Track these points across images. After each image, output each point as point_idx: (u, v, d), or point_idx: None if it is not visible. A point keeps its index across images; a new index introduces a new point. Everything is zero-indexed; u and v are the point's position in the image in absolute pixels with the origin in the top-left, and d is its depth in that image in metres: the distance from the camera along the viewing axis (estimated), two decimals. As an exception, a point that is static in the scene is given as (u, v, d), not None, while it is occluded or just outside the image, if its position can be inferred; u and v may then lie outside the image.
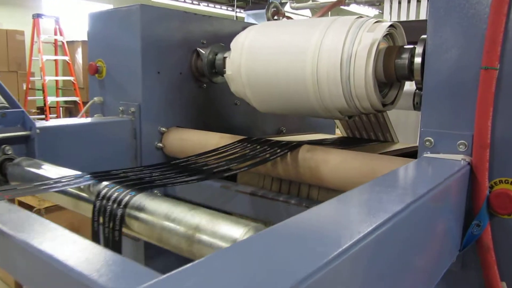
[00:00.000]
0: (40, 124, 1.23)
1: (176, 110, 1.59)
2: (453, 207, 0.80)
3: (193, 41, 1.63)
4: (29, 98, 7.87)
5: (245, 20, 7.29)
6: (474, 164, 0.82)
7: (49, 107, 7.72)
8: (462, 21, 0.86)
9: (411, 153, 1.53)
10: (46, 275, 0.54)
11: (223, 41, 1.66)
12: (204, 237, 0.63)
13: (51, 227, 0.61)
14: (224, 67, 1.53)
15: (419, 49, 1.11)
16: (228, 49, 1.63)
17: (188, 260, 0.42)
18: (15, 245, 0.58)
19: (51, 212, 2.79)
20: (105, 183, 0.88)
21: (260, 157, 1.22)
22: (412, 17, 2.44)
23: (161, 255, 1.51)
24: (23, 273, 0.60)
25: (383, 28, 1.15)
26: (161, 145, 1.52)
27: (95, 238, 0.83)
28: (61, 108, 8.59)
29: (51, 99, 7.72)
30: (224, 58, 1.52)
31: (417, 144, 1.74)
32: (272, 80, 1.21)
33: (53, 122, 1.37)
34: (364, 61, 1.08)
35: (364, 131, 1.83)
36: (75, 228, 2.87)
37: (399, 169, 0.76)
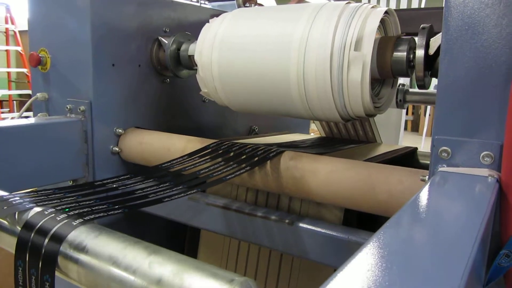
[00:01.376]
0: (-39, 127, 1.00)
1: (135, 109, 1.38)
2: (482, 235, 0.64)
3: (154, 29, 1.42)
4: (-22, 91, 7.34)
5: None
6: (504, 181, 0.67)
7: (1, 101, 7.23)
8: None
9: (400, 158, 1.39)
10: None
11: (189, 29, 1.45)
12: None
13: None
14: (191, 60, 1.34)
15: (420, 40, 0.95)
16: (195, 38, 1.44)
17: None
18: None
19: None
20: (37, 208, 0.67)
21: (235, 167, 1.03)
22: (404, 5, 2.30)
23: None
24: None
25: (378, 14, 0.99)
26: (117, 149, 1.31)
27: (17, 283, 0.63)
28: (14, 101, 8.07)
29: (2, 92, 7.22)
30: (188, 50, 1.32)
31: (401, 145, 1.61)
32: (249, 78, 1.02)
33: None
34: (366, 53, 0.91)
35: (344, 130, 1.67)
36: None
37: (422, 194, 0.60)
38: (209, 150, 1.14)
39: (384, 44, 1.01)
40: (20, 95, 8.14)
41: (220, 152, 1.12)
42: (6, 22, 7.35)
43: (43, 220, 0.64)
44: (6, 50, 7.49)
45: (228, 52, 1.05)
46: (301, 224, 1.02)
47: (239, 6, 1.80)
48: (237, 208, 1.11)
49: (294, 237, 1.04)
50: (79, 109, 1.25)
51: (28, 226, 0.64)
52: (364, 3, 1.02)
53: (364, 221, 1.13)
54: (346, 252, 1.01)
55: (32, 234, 0.63)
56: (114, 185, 0.92)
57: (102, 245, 0.55)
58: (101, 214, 0.71)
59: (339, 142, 1.59)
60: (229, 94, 1.07)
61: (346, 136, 1.68)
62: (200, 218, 1.16)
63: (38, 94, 1.36)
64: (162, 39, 1.40)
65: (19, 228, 0.64)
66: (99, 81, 1.26)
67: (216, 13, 1.66)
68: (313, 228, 1.00)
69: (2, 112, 7.26)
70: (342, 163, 0.97)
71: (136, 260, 0.51)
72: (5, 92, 7.42)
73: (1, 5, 7.28)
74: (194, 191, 0.90)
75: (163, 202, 0.85)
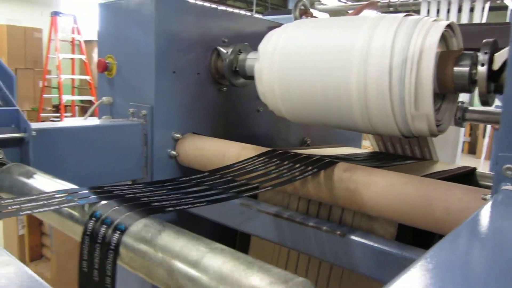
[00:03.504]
0: (36, 125, 1.08)
1: (192, 115, 1.42)
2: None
3: (213, 39, 1.47)
4: (44, 96, 7.83)
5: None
6: None
7: (64, 106, 7.67)
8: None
9: (458, 177, 1.34)
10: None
11: (246, 40, 1.49)
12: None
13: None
14: (248, 70, 1.37)
15: (484, 55, 0.93)
16: (252, 48, 1.47)
17: None
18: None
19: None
20: (103, 202, 0.71)
21: (288, 174, 1.04)
22: (465, 20, 2.24)
23: None
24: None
25: (440, 28, 0.97)
26: (174, 153, 1.36)
27: (82, 269, 0.67)
28: (76, 107, 8.54)
29: (66, 97, 7.67)
30: (246, 60, 1.36)
31: (459, 165, 1.55)
32: (309, 89, 1.03)
33: (52, 123, 1.21)
34: (426, 67, 0.90)
35: (399, 146, 1.64)
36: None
37: (482, 213, 0.58)
38: (263, 157, 1.16)
39: (446, 58, 0.99)
40: (81, 101, 8.60)
41: (274, 160, 1.14)
42: (73, 32, 7.83)
43: (108, 212, 0.68)
44: (72, 59, 7.97)
45: (289, 62, 1.06)
46: (353, 237, 1.01)
47: (295, 19, 1.83)
48: (289, 216, 1.11)
49: (345, 249, 1.03)
50: (141, 113, 1.31)
51: (94, 217, 0.68)
52: (426, 16, 1.01)
53: (418, 237, 1.09)
54: (399, 268, 0.99)
55: (98, 225, 0.67)
56: (174, 185, 0.95)
57: (165, 239, 0.58)
58: (164, 207, 0.74)
59: (394, 157, 1.56)
60: (287, 104, 1.09)
61: (400, 152, 1.64)
62: (252, 224, 1.18)
63: (104, 98, 1.44)
64: (221, 49, 1.45)
65: (86, 219, 0.69)
66: (161, 87, 1.32)
67: (273, 25, 1.69)
68: (366, 241, 0.99)
69: (65, 116, 7.69)
70: (398, 177, 0.95)
71: (198, 254, 0.53)
72: (69, 97, 7.87)
73: (69, 16, 7.76)
74: (246, 194, 0.91)
75: (215, 205, 0.87)
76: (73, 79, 8.23)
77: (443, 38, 1.06)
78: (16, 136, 1.02)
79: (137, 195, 0.82)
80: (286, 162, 1.12)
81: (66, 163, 1.15)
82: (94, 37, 8.44)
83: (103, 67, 1.42)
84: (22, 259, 3.12)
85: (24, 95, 7.52)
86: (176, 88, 1.36)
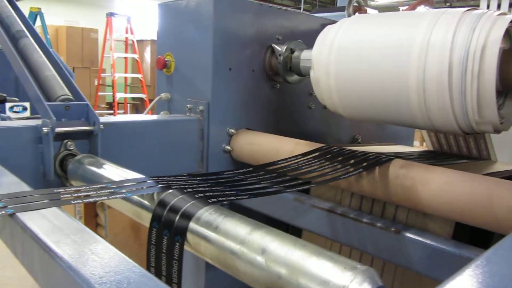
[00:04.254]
0: (104, 119, 1.14)
1: (247, 111, 1.46)
2: None
3: (268, 36, 1.50)
4: (99, 93, 8.18)
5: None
6: None
7: (118, 103, 7.98)
8: None
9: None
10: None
11: (300, 37, 1.51)
12: (299, 280, 0.48)
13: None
14: (302, 67, 1.38)
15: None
16: (306, 46, 1.48)
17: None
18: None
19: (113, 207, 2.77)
20: (170, 190, 0.76)
21: (342, 170, 1.05)
22: None
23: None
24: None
25: (504, 22, 0.94)
26: (229, 148, 1.40)
27: (150, 251, 0.71)
28: (128, 104, 8.86)
29: (119, 95, 7.98)
30: (300, 57, 1.37)
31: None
32: (367, 84, 1.03)
33: (117, 117, 1.28)
34: (489, 63, 0.88)
35: (455, 145, 1.60)
36: (135, 225, 2.83)
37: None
38: (317, 153, 1.17)
39: (510, 54, 0.97)
40: (133, 99, 8.92)
41: (328, 156, 1.15)
42: (126, 32, 8.12)
43: (175, 200, 0.72)
44: (125, 57, 8.27)
45: (346, 58, 1.07)
46: (408, 234, 1.00)
47: (349, 16, 1.82)
48: (342, 212, 1.12)
49: (400, 246, 1.02)
50: (198, 109, 1.36)
51: (162, 204, 0.73)
52: (490, 10, 0.98)
53: (476, 236, 1.07)
54: (455, 267, 0.97)
55: (165, 212, 0.71)
56: (230, 178, 0.99)
57: (230, 225, 0.61)
58: (221, 199, 0.77)
59: (448, 156, 1.52)
60: (344, 100, 1.10)
61: (456, 152, 1.60)
62: (304, 218, 1.19)
63: (162, 94, 1.50)
64: (275, 46, 1.47)
65: (155, 206, 0.73)
66: (217, 84, 1.36)
67: (327, 23, 1.69)
68: (422, 239, 0.98)
69: (118, 113, 8.01)
70: (457, 175, 0.94)
71: (262, 241, 0.55)
72: (122, 95, 8.19)
73: (123, 17, 8.06)
74: (301, 188, 0.93)
75: (268, 200, 0.89)
76: (126, 78, 8.55)
77: (507, 33, 1.03)
78: (86, 129, 1.09)
79: (198, 185, 0.86)
80: (340, 158, 1.12)
81: (129, 155, 1.21)
82: (146, 36, 8.76)
83: (162, 65, 1.48)
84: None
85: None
86: (232, 85, 1.40)
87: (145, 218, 0.75)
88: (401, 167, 1.03)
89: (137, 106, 8.99)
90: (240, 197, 0.84)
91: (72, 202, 0.67)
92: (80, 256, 0.46)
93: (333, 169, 1.07)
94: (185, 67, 1.45)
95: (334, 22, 1.23)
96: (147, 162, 1.26)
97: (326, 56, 1.12)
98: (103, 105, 8.47)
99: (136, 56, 8.04)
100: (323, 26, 1.68)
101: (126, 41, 8.24)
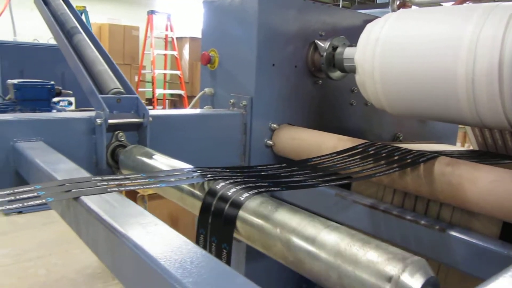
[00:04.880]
0: (152, 112, 1.19)
1: (289, 106, 1.47)
2: None
3: (311, 32, 1.50)
4: (139, 89, 8.38)
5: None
6: None
7: (157, 99, 8.15)
8: None
9: None
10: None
11: (343, 33, 1.50)
12: (349, 269, 0.49)
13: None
14: (345, 63, 1.38)
15: None
16: (349, 42, 1.48)
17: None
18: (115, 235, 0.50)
19: (153, 199, 2.85)
20: (219, 181, 0.78)
21: (386, 166, 1.05)
22: None
23: (263, 258, 1.40)
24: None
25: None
26: (271, 142, 1.41)
27: (199, 237, 0.74)
28: (167, 100, 9.04)
29: (159, 91, 8.15)
30: (343, 53, 1.37)
31: None
32: (413, 79, 1.02)
33: (164, 111, 1.33)
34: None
35: (502, 144, 1.55)
36: (174, 218, 2.91)
37: None
38: (360, 149, 1.17)
39: None
40: (171, 95, 9.09)
41: (371, 152, 1.14)
42: (166, 30, 8.28)
43: (224, 189, 0.74)
44: (164, 54, 8.44)
45: (391, 53, 1.06)
46: (453, 233, 0.99)
47: (393, 12, 1.80)
48: (385, 208, 1.12)
49: (444, 244, 1.01)
50: (241, 103, 1.38)
51: (211, 193, 0.75)
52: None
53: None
54: (502, 267, 0.96)
55: (215, 200, 0.74)
56: (274, 171, 1.00)
57: (281, 215, 0.62)
58: (267, 190, 0.79)
59: (494, 156, 1.48)
60: (389, 96, 1.09)
61: (502, 151, 1.56)
62: (345, 214, 1.20)
63: (206, 89, 1.53)
64: (318, 42, 1.47)
65: (204, 195, 0.76)
66: (261, 79, 1.38)
67: (370, 19, 1.68)
68: (468, 238, 0.96)
69: (157, 109, 8.19)
70: (506, 173, 0.92)
71: (314, 230, 0.57)
72: (161, 91, 8.36)
73: (163, 14, 8.22)
74: (344, 182, 0.94)
75: (310, 195, 0.90)
76: (165, 74, 8.72)
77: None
78: (136, 121, 1.13)
79: (244, 177, 0.88)
80: (384, 154, 1.12)
81: (174, 147, 1.25)
82: (185, 34, 8.90)
83: (207, 60, 1.51)
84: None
85: (122, 88, 8.10)
86: (275, 80, 1.42)
87: (194, 207, 0.78)
88: (447, 165, 1.01)
89: (175, 103, 9.15)
90: (283, 189, 0.85)
91: (129, 188, 0.70)
92: (144, 236, 0.49)
93: (376, 164, 1.07)
94: (229, 63, 1.48)
95: (376, 18, 1.23)
96: (191, 154, 1.30)
97: (371, 51, 1.11)
98: (143, 101, 8.64)
99: (175, 53, 8.19)
100: (365, 22, 1.67)
101: (166, 38, 8.40)
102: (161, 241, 0.48)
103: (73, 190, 0.64)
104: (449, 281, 1.19)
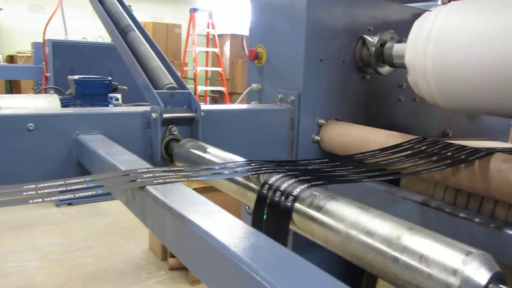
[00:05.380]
0: (204, 107, 1.22)
1: (336, 102, 1.47)
2: None
3: (359, 27, 1.49)
4: (181, 86, 8.53)
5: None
6: None
7: (199, 96, 8.29)
8: None
9: None
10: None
11: (391, 28, 1.48)
12: (412, 262, 0.49)
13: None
14: (395, 58, 1.36)
15: None
16: (398, 36, 1.46)
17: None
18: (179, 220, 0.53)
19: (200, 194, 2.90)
20: (274, 174, 0.80)
21: (438, 162, 1.03)
22: None
23: (309, 252, 1.41)
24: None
25: None
26: (318, 138, 1.42)
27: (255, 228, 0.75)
28: (208, 97, 9.18)
29: (200, 88, 8.29)
30: (392, 48, 1.35)
31: None
32: (470, 74, 1.00)
33: (215, 106, 1.36)
34: None
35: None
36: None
37: None
38: (410, 145, 1.15)
39: None
40: (212, 91, 9.22)
41: (422, 148, 1.13)
42: (208, 27, 8.40)
43: (279, 182, 0.76)
44: (206, 52, 8.57)
45: (445, 46, 1.04)
46: (510, 231, 0.96)
47: (443, 4, 1.75)
48: (437, 206, 1.10)
49: (500, 243, 0.98)
50: (289, 99, 1.40)
51: (266, 185, 0.77)
52: None
53: None
54: None
55: (270, 192, 0.75)
56: (324, 165, 1.01)
57: (339, 207, 0.63)
58: (321, 183, 0.80)
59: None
60: (443, 90, 1.07)
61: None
62: (395, 211, 1.18)
63: (253, 85, 1.55)
64: (367, 37, 1.46)
65: (259, 187, 0.77)
66: (308, 74, 1.38)
67: (419, 12, 1.64)
68: (527, 237, 0.93)
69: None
70: None
71: (373, 223, 0.57)
72: (203, 88, 8.50)
73: (205, 12, 8.34)
74: (391, 177, 0.93)
75: (358, 190, 0.89)
76: (206, 71, 8.86)
77: None
78: (189, 115, 1.17)
79: (297, 170, 0.89)
80: (435, 150, 1.10)
81: (223, 141, 1.28)
82: (226, 31, 8.99)
83: (254, 56, 1.53)
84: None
85: (165, 85, 8.30)
86: (323, 76, 1.42)
87: (250, 199, 0.80)
88: (504, 161, 0.98)
89: (216, 99, 9.27)
90: (336, 183, 0.86)
91: (191, 179, 0.73)
92: (211, 224, 0.51)
93: (427, 160, 1.05)
94: (277, 58, 1.49)
95: (425, 11, 1.20)
96: (239, 149, 1.32)
97: (422, 46, 1.10)
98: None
99: (217, 50, 8.29)
100: (414, 16, 1.64)
101: (207, 35, 8.52)
102: (227, 228, 0.50)
103: (138, 180, 0.67)
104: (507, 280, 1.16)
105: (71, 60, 4.66)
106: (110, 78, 3.40)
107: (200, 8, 8.48)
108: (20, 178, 1.01)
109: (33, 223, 4.22)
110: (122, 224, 4.29)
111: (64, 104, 2.86)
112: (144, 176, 0.70)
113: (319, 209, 0.65)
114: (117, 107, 2.53)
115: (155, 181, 0.66)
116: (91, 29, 7.71)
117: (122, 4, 1.56)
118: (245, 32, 8.97)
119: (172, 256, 3.46)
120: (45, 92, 3.63)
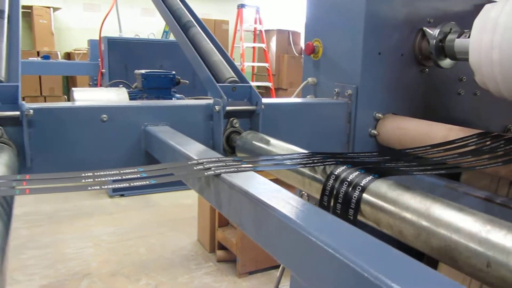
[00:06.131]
0: (264, 100, 1.24)
1: (394, 96, 1.45)
2: None
3: (419, 19, 1.46)
4: (228, 81, 8.64)
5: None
6: None
7: (244, 91, 8.35)
8: None
9: None
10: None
11: (452, 20, 1.44)
12: (499, 257, 0.49)
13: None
14: (457, 49, 1.33)
15: None
16: (460, 28, 1.42)
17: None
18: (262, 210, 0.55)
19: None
20: (339, 165, 0.81)
21: (504, 156, 1.00)
22: None
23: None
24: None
25: None
26: (375, 132, 1.41)
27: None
28: (254, 92, 9.23)
29: (247, 83, 8.35)
30: (454, 40, 1.32)
31: None
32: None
33: (274, 99, 1.38)
34: None
35: None
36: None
37: None
38: (475, 138, 1.13)
39: None
40: (258, 87, 9.27)
41: (487, 142, 1.10)
42: (255, 23, 8.44)
43: (345, 173, 0.77)
44: (253, 47, 8.62)
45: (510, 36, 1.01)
46: None
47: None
48: (502, 201, 1.07)
49: None
50: (346, 92, 1.40)
51: (333, 176, 0.78)
52: None
53: None
54: None
55: (337, 183, 0.76)
56: (387, 158, 1.01)
57: (410, 199, 0.64)
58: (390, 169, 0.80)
59: None
60: (509, 78, 1.04)
61: None
62: (456, 206, 1.16)
63: (309, 79, 1.57)
64: (427, 29, 1.43)
65: (325, 178, 0.79)
66: (366, 68, 1.38)
67: (481, 3, 1.59)
68: None
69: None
70: None
71: (447, 215, 0.57)
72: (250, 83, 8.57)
73: (252, 8, 8.39)
74: (459, 171, 0.91)
75: (418, 185, 0.88)
76: (253, 66, 8.92)
77: None
78: (249, 108, 1.20)
79: (359, 161, 0.90)
80: (501, 144, 1.07)
81: (283, 133, 1.30)
82: (273, 26, 9.00)
83: (311, 50, 1.54)
84: (212, 225, 3.59)
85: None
86: (380, 69, 1.41)
87: (316, 189, 0.81)
88: None
89: (262, 94, 9.31)
90: (396, 174, 0.86)
91: (260, 169, 0.75)
92: (290, 209, 0.53)
93: (492, 155, 1.03)
94: (333, 52, 1.50)
95: (488, 2, 1.17)
96: (297, 142, 1.33)
97: (488, 37, 1.07)
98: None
99: (263, 45, 8.34)
100: (476, 7, 1.59)
101: (254, 31, 8.57)
102: (307, 213, 0.52)
103: (212, 168, 0.71)
104: None
105: (125, 56, 4.84)
106: (174, 72, 3.52)
107: (248, 4, 8.53)
108: (94, 166, 1.08)
109: (88, 213, 4.44)
110: (171, 216, 4.43)
111: (131, 97, 2.99)
112: (217, 165, 0.73)
113: (389, 200, 0.66)
114: (181, 100, 2.61)
115: (229, 169, 0.70)
116: (141, 26, 7.95)
117: (183, 1, 1.61)
118: (292, 27, 8.95)
119: (220, 248, 3.54)
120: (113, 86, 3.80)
